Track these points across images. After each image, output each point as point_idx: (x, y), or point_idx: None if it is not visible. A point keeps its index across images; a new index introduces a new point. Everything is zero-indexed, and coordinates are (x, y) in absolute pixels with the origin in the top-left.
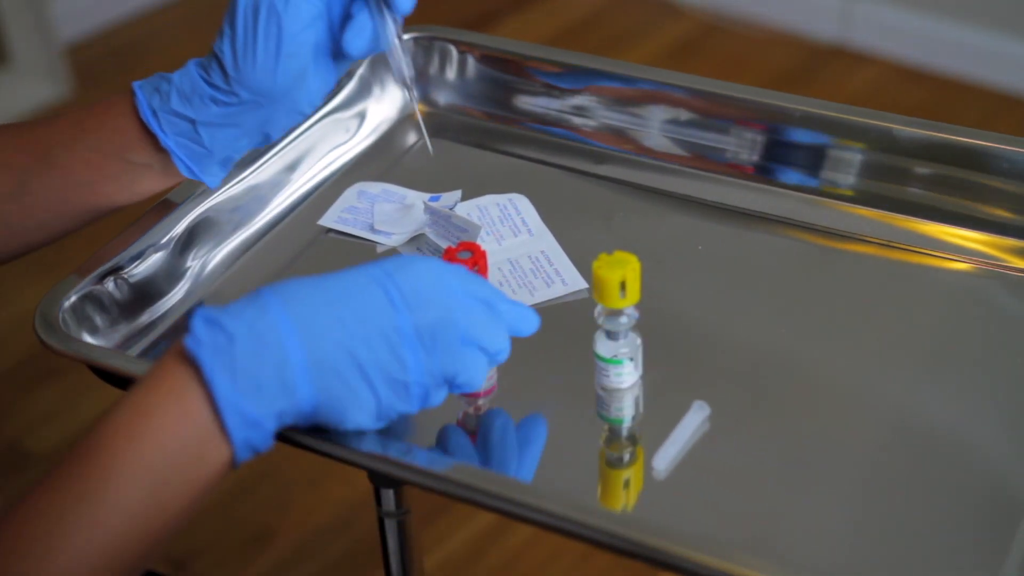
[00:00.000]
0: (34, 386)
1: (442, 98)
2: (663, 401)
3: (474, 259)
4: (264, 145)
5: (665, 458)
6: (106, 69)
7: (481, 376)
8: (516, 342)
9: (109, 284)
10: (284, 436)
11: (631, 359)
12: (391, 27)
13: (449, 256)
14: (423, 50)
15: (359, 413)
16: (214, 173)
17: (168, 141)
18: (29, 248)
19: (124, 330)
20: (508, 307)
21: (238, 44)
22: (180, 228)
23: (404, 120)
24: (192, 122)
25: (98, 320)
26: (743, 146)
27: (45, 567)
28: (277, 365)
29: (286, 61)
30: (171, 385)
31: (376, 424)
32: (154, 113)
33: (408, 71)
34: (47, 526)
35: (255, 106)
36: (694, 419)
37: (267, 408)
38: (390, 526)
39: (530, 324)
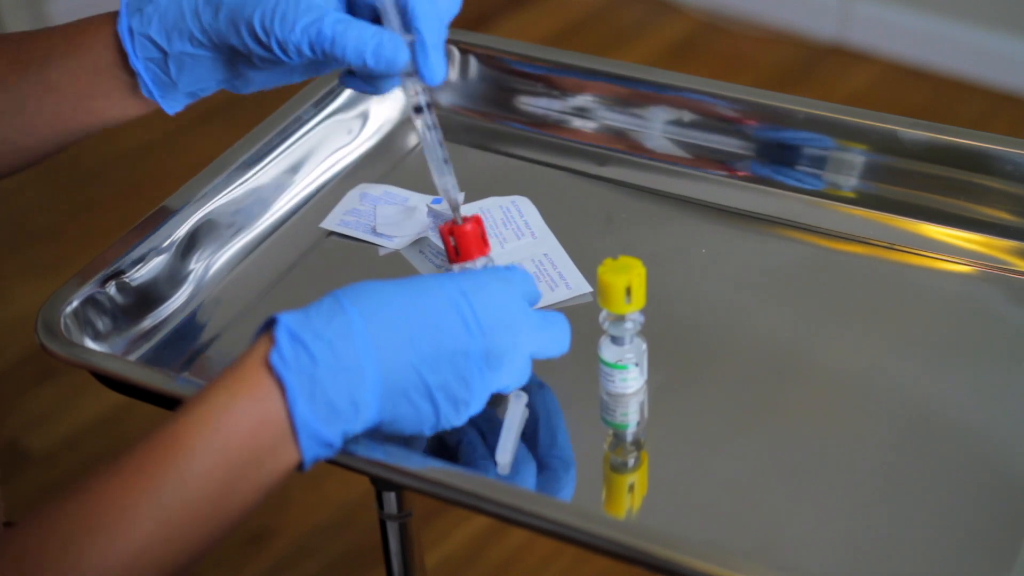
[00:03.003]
0: (32, 386)
1: (444, 99)
2: (668, 406)
3: (475, 226)
4: (234, 91)
5: (506, 452)
6: None
7: (526, 379)
8: None
9: (111, 288)
10: None
11: (636, 364)
12: (433, 139)
13: (450, 229)
14: None
15: (417, 427)
16: (176, 102)
17: (137, 64)
18: (25, 166)
19: (127, 334)
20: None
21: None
22: (182, 231)
23: (406, 121)
24: (164, 53)
25: (100, 325)
26: (746, 148)
27: (110, 552)
28: (352, 387)
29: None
30: (254, 392)
31: (429, 434)
32: (131, 32)
33: (454, 193)
34: (116, 512)
35: (231, 62)
36: (517, 409)
37: (339, 429)
38: (391, 529)
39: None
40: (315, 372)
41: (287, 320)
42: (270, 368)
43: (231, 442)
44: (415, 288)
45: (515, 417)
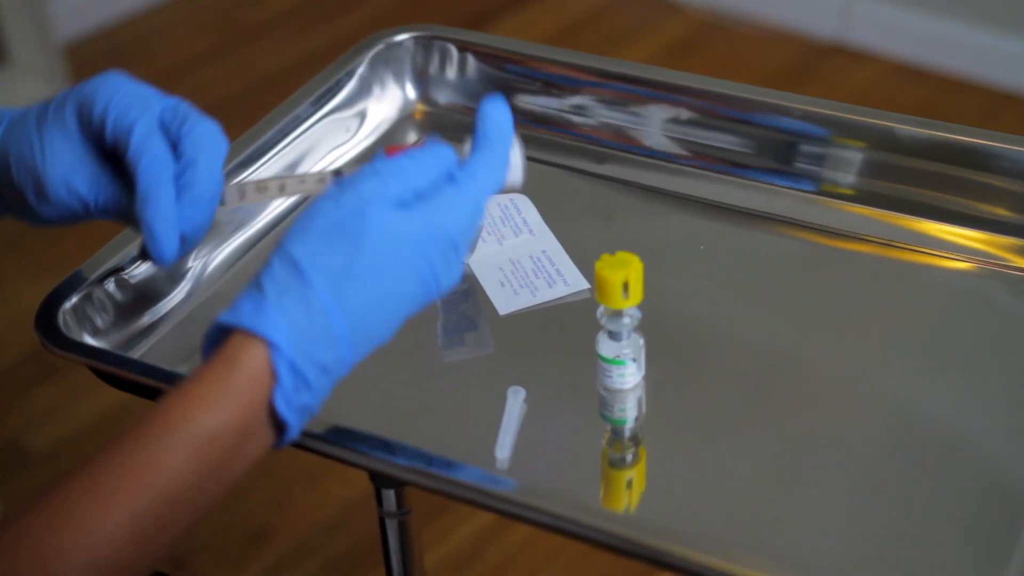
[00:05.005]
0: (33, 385)
1: (442, 97)
2: (666, 401)
3: None
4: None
5: (505, 448)
6: (104, 68)
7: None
8: (518, 345)
9: (110, 285)
10: None
11: (634, 360)
12: None
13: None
14: (423, 49)
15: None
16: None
17: None
18: None
19: (125, 331)
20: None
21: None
22: None
23: (404, 119)
24: None
25: (99, 321)
26: (744, 145)
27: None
28: (334, 383)
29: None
30: (254, 428)
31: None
32: None
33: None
34: (105, 493)
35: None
36: (515, 404)
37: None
38: (391, 526)
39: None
40: (312, 404)
41: (288, 352)
42: (273, 409)
43: (211, 451)
44: (375, 253)
45: (513, 413)
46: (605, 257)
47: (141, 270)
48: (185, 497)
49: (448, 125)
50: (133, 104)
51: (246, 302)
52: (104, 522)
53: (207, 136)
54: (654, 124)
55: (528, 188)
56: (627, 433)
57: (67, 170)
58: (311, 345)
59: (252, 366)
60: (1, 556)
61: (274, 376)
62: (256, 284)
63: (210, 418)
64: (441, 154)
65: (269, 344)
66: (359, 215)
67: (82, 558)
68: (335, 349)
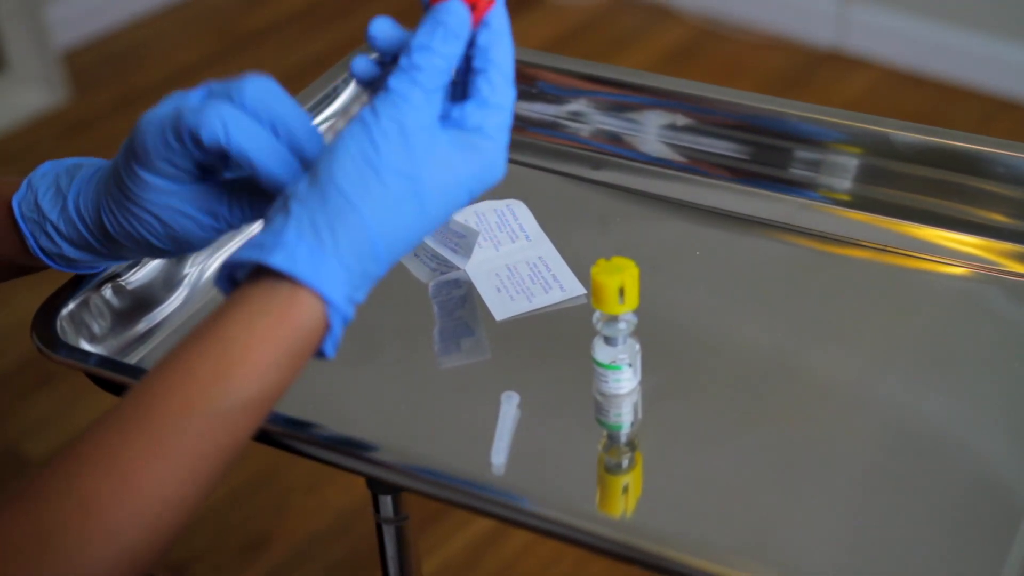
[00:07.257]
0: (31, 391)
1: None
2: (662, 407)
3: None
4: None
5: (500, 453)
6: (102, 75)
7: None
8: (515, 351)
9: (107, 291)
10: (282, 443)
11: (630, 365)
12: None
13: None
14: None
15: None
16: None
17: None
18: None
19: (122, 337)
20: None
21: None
22: None
23: None
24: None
25: (96, 327)
26: (740, 151)
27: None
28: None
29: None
30: (303, 366)
31: None
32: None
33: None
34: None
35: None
36: (509, 410)
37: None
38: (388, 532)
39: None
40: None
41: (343, 307)
42: (320, 346)
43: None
44: (426, 187)
45: (507, 419)
46: (601, 262)
47: (138, 276)
48: (239, 450)
49: None
50: (197, 111)
51: (300, 247)
52: (168, 486)
53: (263, 92)
54: (650, 130)
55: (525, 194)
56: (623, 438)
57: (199, 227)
58: (357, 291)
59: (311, 326)
60: (68, 522)
61: (327, 327)
62: (310, 224)
63: (273, 379)
64: (460, 27)
65: (327, 301)
66: (406, 148)
67: (150, 522)
68: (372, 284)
